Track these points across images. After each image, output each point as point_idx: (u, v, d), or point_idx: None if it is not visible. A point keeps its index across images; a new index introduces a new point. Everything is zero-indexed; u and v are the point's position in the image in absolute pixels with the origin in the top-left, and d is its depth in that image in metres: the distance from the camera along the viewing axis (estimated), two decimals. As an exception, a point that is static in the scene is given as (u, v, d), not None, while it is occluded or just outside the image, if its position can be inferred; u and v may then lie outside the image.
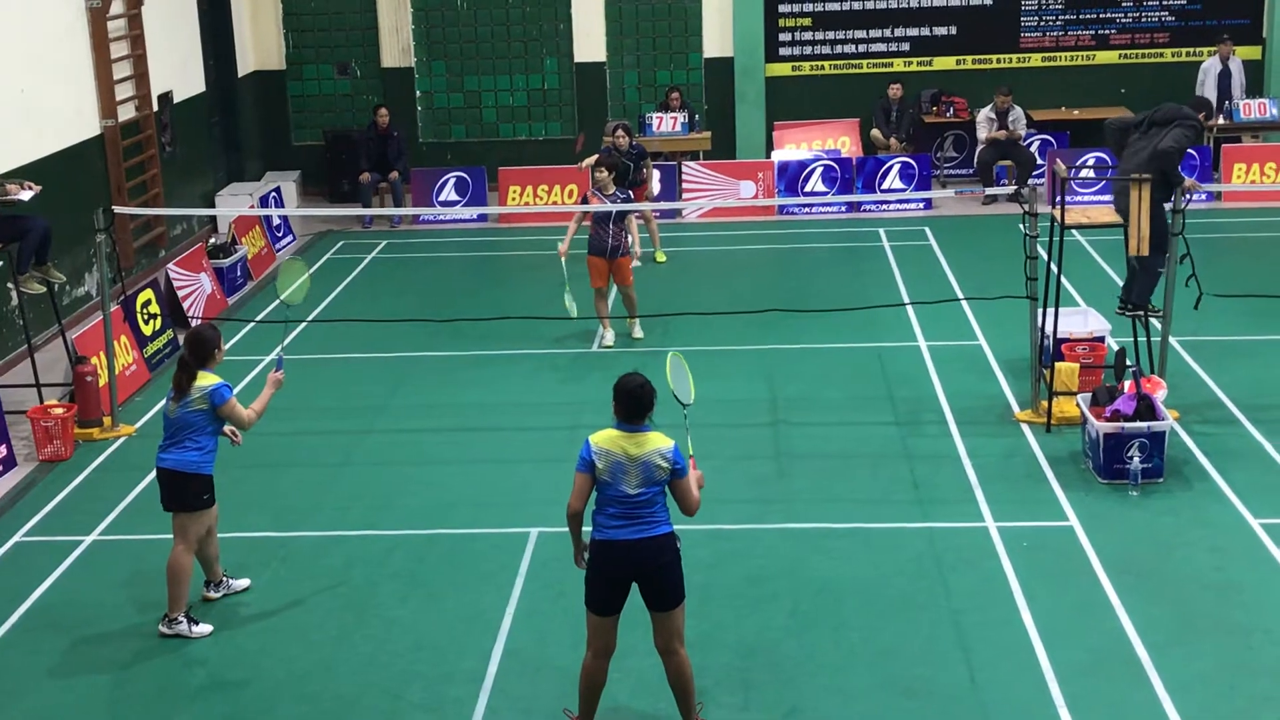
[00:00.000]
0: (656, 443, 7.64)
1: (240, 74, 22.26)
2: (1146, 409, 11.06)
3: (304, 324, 15.80)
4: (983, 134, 20.92)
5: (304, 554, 10.41)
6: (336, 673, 8.77)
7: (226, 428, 9.38)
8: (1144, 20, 22.47)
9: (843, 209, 20.72)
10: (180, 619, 9.23)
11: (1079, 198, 20.02)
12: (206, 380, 9.17)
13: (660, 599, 7.71)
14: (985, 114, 20.96)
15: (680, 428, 8.07)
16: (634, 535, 7.61)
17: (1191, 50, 22.33)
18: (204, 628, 9.27)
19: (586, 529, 7.86)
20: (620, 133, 17.76)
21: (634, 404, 7.62)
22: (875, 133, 22.05)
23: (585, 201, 15.48)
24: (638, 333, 15.16)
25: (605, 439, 7.69)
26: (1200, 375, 13.28)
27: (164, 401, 9.48)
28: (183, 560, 9.23)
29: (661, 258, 18.17)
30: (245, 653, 9.04)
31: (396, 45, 22.91)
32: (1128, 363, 11.56)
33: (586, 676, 7.88)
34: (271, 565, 10.22)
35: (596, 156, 16.20)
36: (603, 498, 7.69)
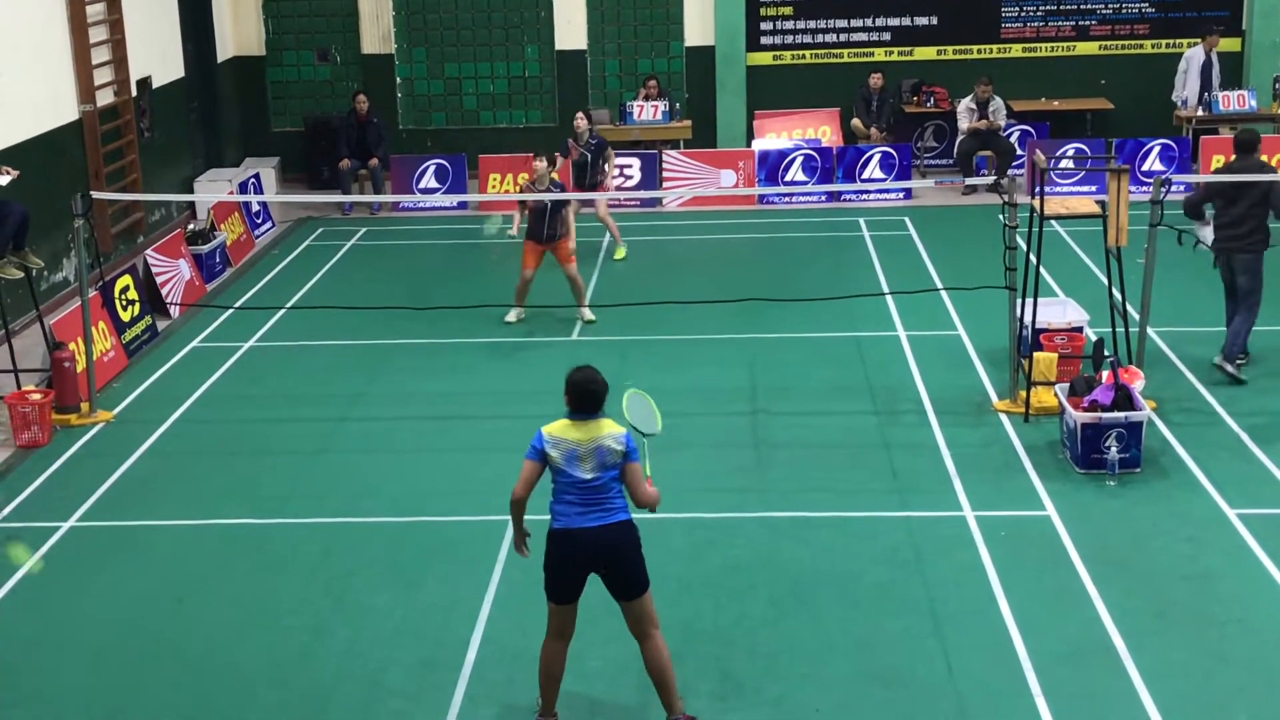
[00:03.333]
0: (608, 428, 7.70)
1: (220, 60, 22.18)
2: (1124, 399, 11.09)
3: (282, 310, 15.77)
4: (963, 124, 20.94)
5: (281, 542, 10.38)
6: (314, 661, 8.76)
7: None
8: (1124, 11, 22.52)
9: (823, 198, 20.73)
10: None
11: (1058, 188, 20.07)
12: None
13: (625, 588, 7.74)
14: (965, 104, 20.97)
15: (641, 446, 7.96)
16: (594, 523, 7.64)
17: (1172, 42, 22.39)
18: None
19: (535, 518, 7.86)
20: (579, 118, 17.50)
21: (585, 397, 7.70)
22: (856, 122, 22.06)
23: (521, 191, 15.55)
24: (589, 315, 15.24)
25: (558, 428, 7.74)
26: (1178, 366, 13.33)
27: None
28: None
29: (621, 254, 17.89)
30: (222, 641, 9.02)
31: (377, 31, 22.84)
32: (1105, 353, 11.59)
33: (545, 661, 7.89)
34: (249, 553, 10.19)
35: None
36: (559, 486, 7.72)
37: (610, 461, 7.66)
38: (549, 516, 7.82)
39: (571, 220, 15.31)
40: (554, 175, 15.40)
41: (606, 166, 17.59)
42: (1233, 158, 13.16)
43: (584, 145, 17.29)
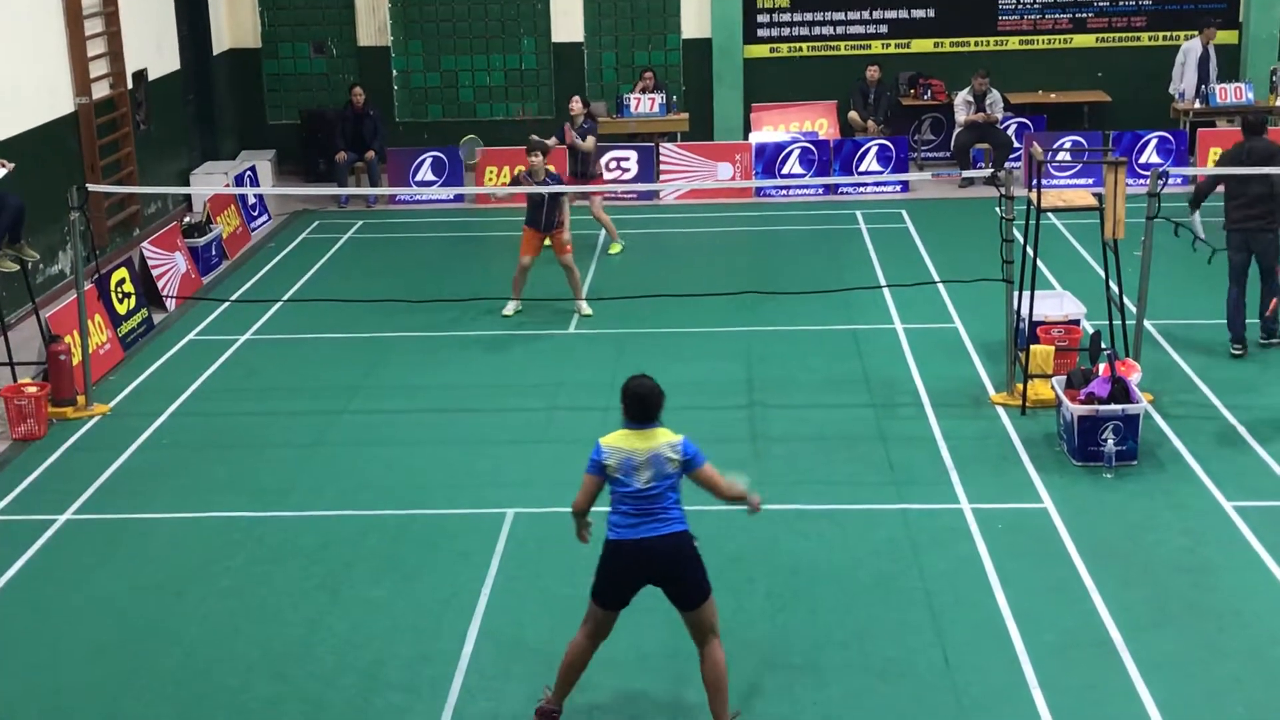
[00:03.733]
0: (664, 437, 7.68)
1: (215, 52, 22.15)
2: (1121, 392, 11.10)
3: (278, 304, 15.76)
4: (960, 117, 20.92)
5: (279, 535, 10.38)
6: (312, 653, 8.76)
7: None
8: (1121, 4, 22.51)
9: (820, 191, 20.72)
10: None
11: (1055, 181, 20.06)
12: None
13: (685, 599, 7.70)
14: (963, 97, 20.95)
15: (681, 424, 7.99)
16: (648, 534, 7.61)
17: (1168, 34, 22.38)
18: None
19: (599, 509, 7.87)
20: (574, 100, 17.67)
21: (641, 407, 7.67)
22: (853, 115, 22.05)
23: (517, 181, 15.54)
24: (585, 309, 15.24)
25: (615, 438, 7.71)
26: (1174, 358, 13.33)
27: None
28: None
29: (616, 249, 17.81)
30: (220, 633, 9.02)
31: (373, 24, 22.81)
32: (1102, 346, 11.59)
33: (571, 654, 7.86)
34: (246, 546, 10.19)
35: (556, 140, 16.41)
36: (615, 497, 7.70)
37: (668, 471, 7.62)
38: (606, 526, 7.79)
39: (567, 210, 15.33)
40: (550, 167, 15.40)
41: (595, 162, 17.76)
42: (1242, 139, 13.48)
43: (578, 129, 17.39)
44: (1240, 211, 13.15)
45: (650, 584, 7.73)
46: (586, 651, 7.86)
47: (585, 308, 15.25)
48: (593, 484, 7.73)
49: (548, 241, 15.21)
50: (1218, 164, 13.88)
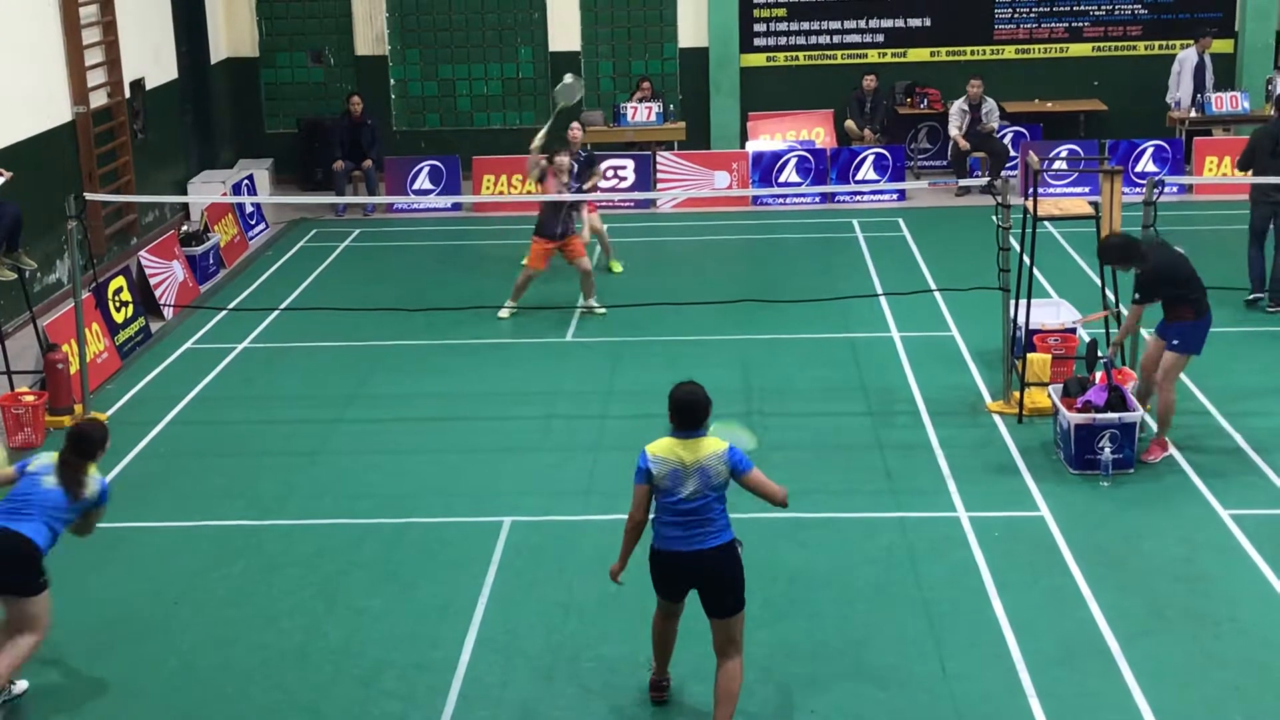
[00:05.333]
0: (712, 446, 7.64)
1: (213, 61, 22.16)
2: (1118, 400, 11.11)
3: (276, 312, 15.76)
4: (954, 130, 20.89)
5: (276, 543, 10.38)
6: (309, 662, 8.76)
7: None
8: (1117, 13, 22.54)
9: (817, 200, 20.74)
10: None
11: (1051, 190, 20.08)
12: (96, 474, 8.42)
13: (717, 607, 7.74)
14: (958, 106, 20.96)
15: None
16: (691, 548, 7.63)
17: (1164, 43, 22.41)
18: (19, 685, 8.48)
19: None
20: (574, 127, 17.18)
21: (689, 414, 7.63)
22: (849, 124, 22.07)
23: (542, 177, 15.55)
24: (600, 309, 15.31)
25: (661, 447, 7.67)
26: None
27: (26, 465, 8.43)
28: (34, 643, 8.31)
29: (618, 268, 17.51)
30: (217, 641, 9.02)
31: (370, 33, 22.83)
32: (1099, 354, 11.60)
33: (657, 632, 8.05)
34: (244, 554, 10.19)
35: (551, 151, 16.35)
36: (660, 506, 7.70)
37: (715, 482, 7.62)
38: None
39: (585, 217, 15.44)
40: (586, 143, 15.97)
41: (592, 181, 17.35)
42: (1271, 115, 15.17)
43: (574, 155, 17.10)
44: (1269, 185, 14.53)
45: (693, 588, 7.81)
46: (671, 628, 8.03)
47: (599, 307, 15.36)
48: (643, 494, 7.67)
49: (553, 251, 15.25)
50: (1251, 139, 15.19)
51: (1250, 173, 15.25)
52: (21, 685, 8.48)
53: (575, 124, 17.56)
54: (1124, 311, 12.70)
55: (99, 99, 17.83)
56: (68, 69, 17.02)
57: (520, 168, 21.09)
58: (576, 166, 16.61)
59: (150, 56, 19.63)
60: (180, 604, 9.49)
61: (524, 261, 15.67)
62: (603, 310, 15.35)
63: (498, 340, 14.79)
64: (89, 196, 14.33)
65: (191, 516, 10.83)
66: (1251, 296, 15.21)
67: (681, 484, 7.58)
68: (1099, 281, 12.84)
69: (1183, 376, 12.95)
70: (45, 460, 8.37)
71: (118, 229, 18.12)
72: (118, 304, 14.68)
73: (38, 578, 8.21)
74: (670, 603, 7.93)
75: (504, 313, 15.30)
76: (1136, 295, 11.32)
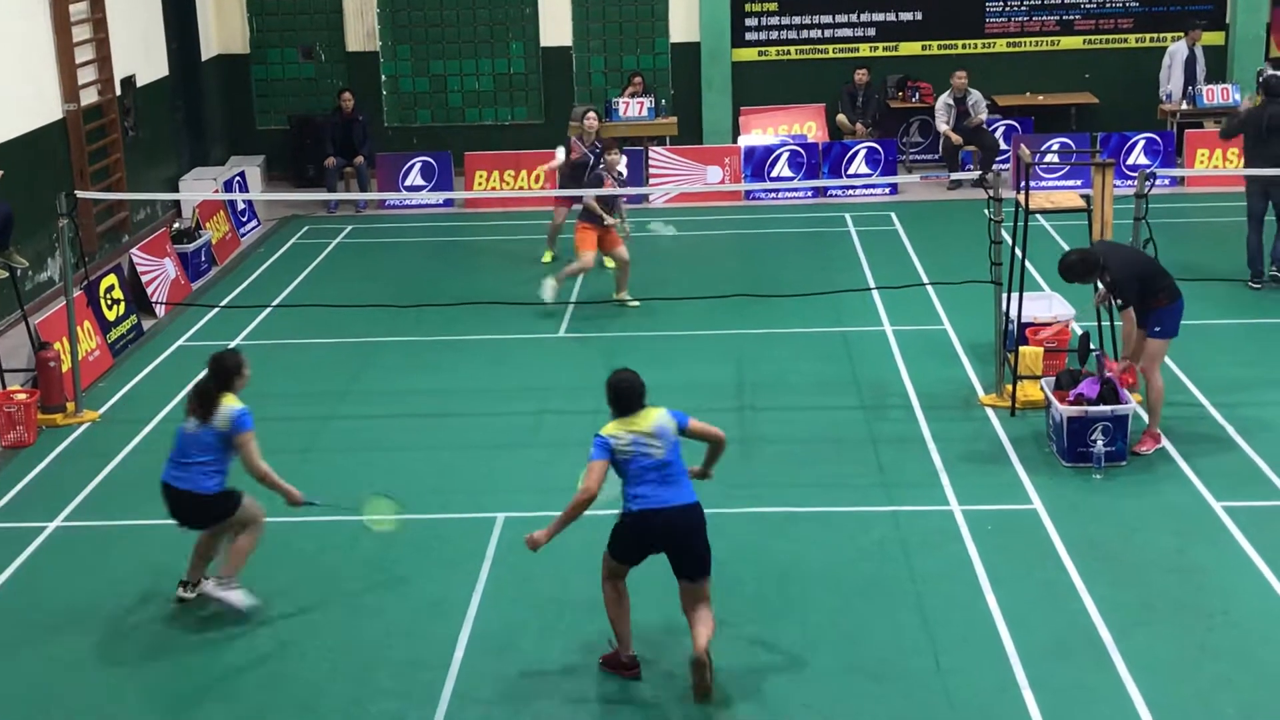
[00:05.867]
0: (655, 411, 8.18)
1: (204, 58, 22.14)
2: (1110, 392, 11.12)
3: (268, 309, 15.74)
4: (942, 125, 20.89)
5: (269, 541, 10.31)
6: (304, 658, 8.75)
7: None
8: (1108, 6, 22.57)
9: (809, 194, 20.74)
10: (233, 584, 9.13)
11: (1043, 183, 20.10)
12: (232, 403, 9.02)
13: (691, 565, 8.08)
14: (944, 100, 20.96)
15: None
16: (666, 504, 8.03)
17: (1155, 36, 22.44)
18: (250, 599, 9.16)
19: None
20: (590, 116, 17.24)
21: (633, 396, 8.16)
22: (841, 118, 22.08)
23: (599, 179, 15.53)
24: (634, 302, 15.39)
25: (615, 427, 8.11)
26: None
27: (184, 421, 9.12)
28: (250, 539, 9.20)
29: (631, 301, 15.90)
30: (210, 639, 9.01)
31: (361, 29, 22.81)
32: (1091, 347, 11.61)
33: (616, 605, 8.26)
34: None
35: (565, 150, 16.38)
36: (634, 473, 8.05)
37: (673, 440, 8.11)
38: (619, 511, 8.17)
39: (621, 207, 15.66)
40: (599, 135, 16.26)
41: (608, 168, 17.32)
42: (1260, 101, 15.41)
43: (589, 146, 16.90)
44: (1263, 165, 14.85)
45: (663, 550, 8.11)
46: (623, 590, 8.27)
47: (631, 299, 15.41)
48: (602, 468, 8.03)
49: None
50: (1243, 121, 15.58)
51: (1242, 163, 15.86)
52: (242, 598, 9.08)
53: (592, 113, 17.50)
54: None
55: (89, 96, 17.81)
56: (58, 66, 17.00)
57: (512, 163, 21.10)
58: (592, 158, 16.63)
59: (141, 53, 19.60)
60: (172, 602, 9.47)
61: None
62: (635, 303, 15.35)
63: (490, 336, 14.78)
64: (80, 194, 14.32)
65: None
66: (1254, 285, 15.46)
67: (647, 447, 8.04)
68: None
69: (1174, 369, 12.98)
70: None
71: (109, 227, 18.10)
72: (109, 302, 14.66)
73: (227, 506, 8.97)
74: (626, 567, 8.21)
75: (548, 294, 15.30)
76: (1118, 302, 11.34)
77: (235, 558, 9.15)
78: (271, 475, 9.09)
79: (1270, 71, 16.12)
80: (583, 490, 7.99)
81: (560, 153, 16.91)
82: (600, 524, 10.31)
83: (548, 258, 17.54)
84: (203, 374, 9.10)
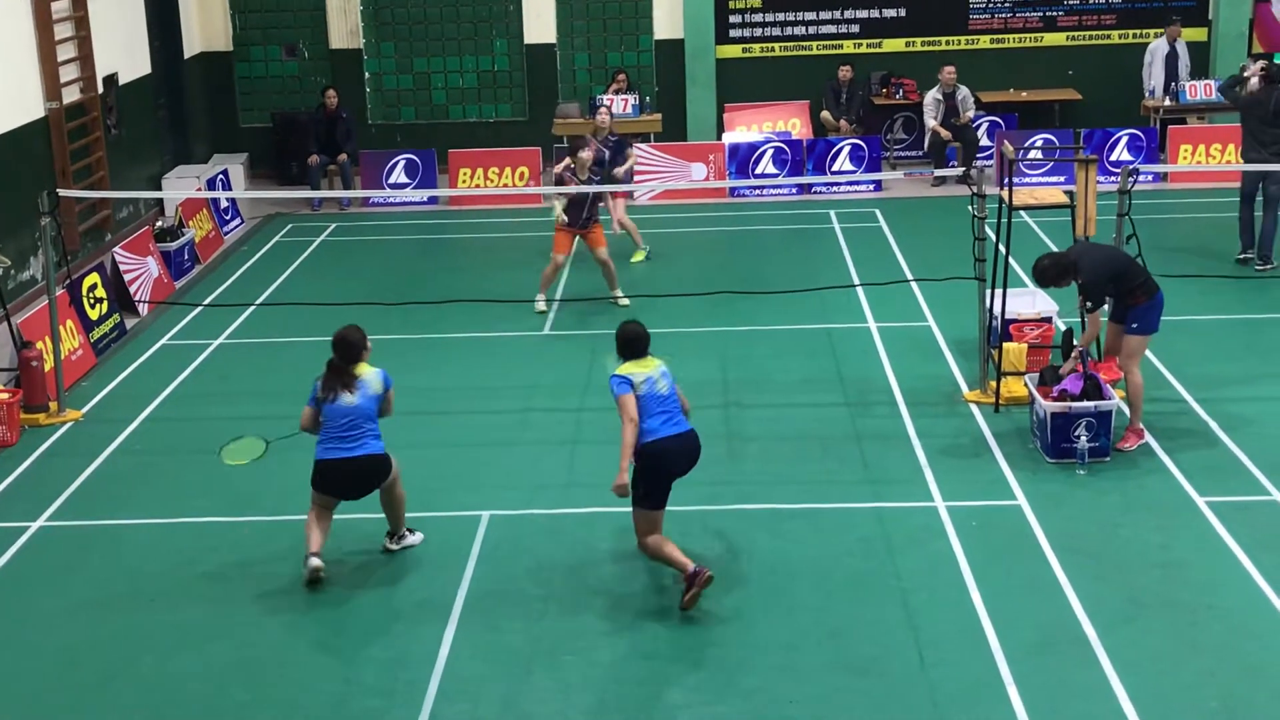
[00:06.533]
0: (656, 359, 9.24)
1: (187, 55, 22.07)
2: (1093, 389, 11.14)
3: (251, 307, 15.71)
4: (930, 120, 20.90)
5: (253, 539, 10.35)
6: (288, 657, 8.74)
7: None
8: (1091, 2, 22.61)
9: (793, 191, 20.75)
10: (405, 534, 10.08)
11: (1027, 179, 20.13)
12: (370, 370, 9.77)
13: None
14: (931, 96, 20.98)
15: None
16: (681, 429, 9.06)
17: (1138, 32, 22.49)
18: (419, 535, 10.10)
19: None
20: (602, 112, 17.40)
21: (640, 343, 9.20)
22: (825, 115, 22.09)
23: (560, 179, 15.46)
24: (624, 300, 15.29)
25: (626, 368, 9.10)
26: (1146, 354, 13.36)
27: (330, 399, 9.69)
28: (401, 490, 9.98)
29: (639, 257, 17.40)
30: (195, 638, 8.99)
31: (345, 26, 22.76)
32: (1074, 343, 11.63)
33: (657, 547, 9.07)
34: (220, 551, 10.16)
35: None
36: (646, 406, 8.97)
37: (672, 379, 9.20)
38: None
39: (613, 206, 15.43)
40: (613, 127, 16.64)
41: (626, 165, 17.26)
42: (1259, 88, 15.86)
43: (603, 141, 16.82)
44: (1259, 152, 15.57)
45: (678, 476, 9.14)
46: (665, 539, 9.12)
47: (623, 299, 15.35)
48: (632, 400, 8.96)
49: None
50: (1243, 98, 16.06)
51: (1241, 146, 16.54)
52: (418, 536, 10.13)
53: (604, 108, 17.45)
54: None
55: (72, 94, 17.75)
56: (40, 65, 16.93)
57: (496, 160, 21.09)
58: (607, 153, 16.62)
59: (123, 51, 19.54)
60: (156, 602, 9.46)
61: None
62: (626, 301, 15.27)
63: (475, 334, 14.77)
64: (62, 193, 14.27)
65: (167, 514, 10.80)
66: (1241, 256, 16.12)
67: (655, 385, 9.05)
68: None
69: (1157, 364, 13.01)
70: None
71: (92, 225, 18.04)
72: (92, 300, 14.62)
73: (389, 465, 9.77)
74: (660, 516, 9.13)
75: (540, 306, 15.25)
76: (1088, 304, 11.35)
77: (398, 509, 10.00)
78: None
79: (1254, 66, 16.23)
80: (629, 420, 8.88)
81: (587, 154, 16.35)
82: (589, 522, 10.34)
83: (639, 256, 17.44)
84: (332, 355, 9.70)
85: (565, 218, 15.17)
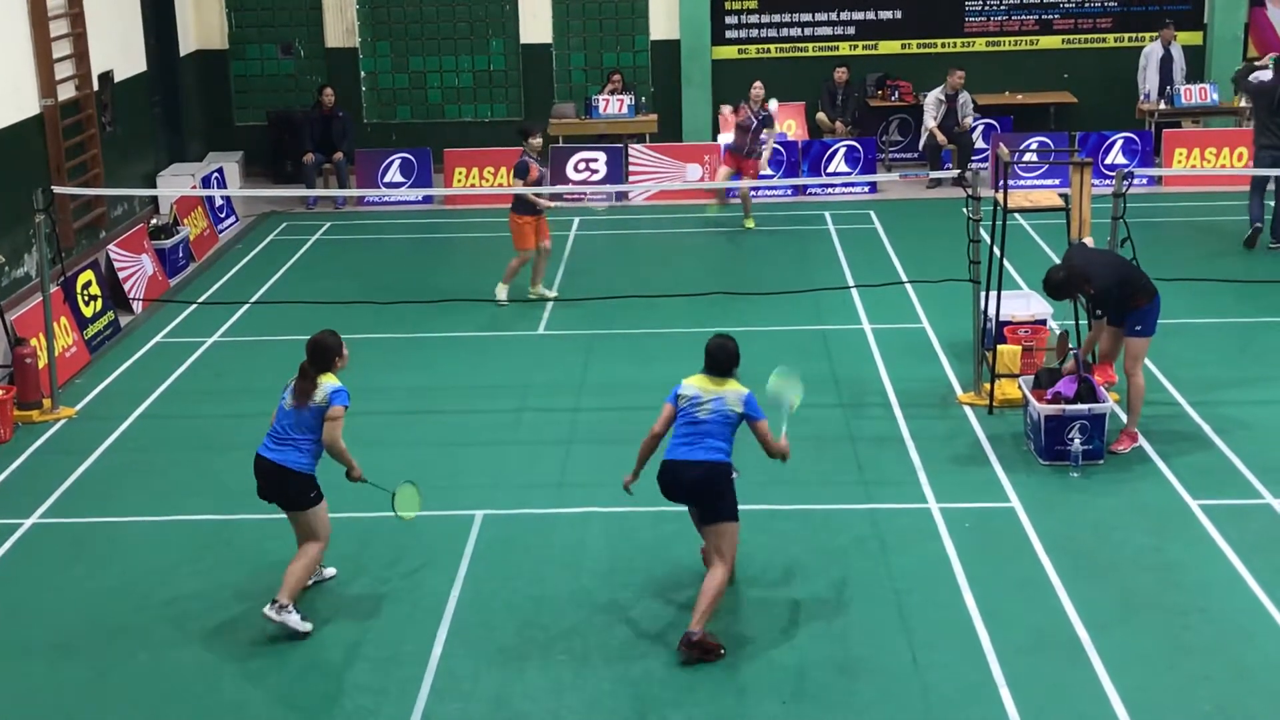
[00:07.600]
0: (735, 388, 8.92)
1: (182, 53, 22.05)
2: (1087, 391, 11.15)
3: (246, 305, 15.70)
4: (930, 120, 20.89)
5: (246, 537, 10.35)
6: (280, 655, 8.73)
7: None
8: (1087, 5, 22.63)
9: (788, 192, 20.76)
10: (290, 609, 8.86)
11: (1022, 182, 20.14)
12: (330, 381, 9.11)
13: (706, 516, 8.80)
14: (934, 96, 20.95)
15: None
16: (685, 457, 8.75)
17: (1134, 35, 22.51)
18: (306, 624, 8.92)
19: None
20: (756, 85, 18.74)
21: (717, 358, 8.95)
22: (821, 116, 22.10)
23: (524, 169, 15.60)
24: (552, 294, 15.75)
25: (694, 379, 8.98)
26: (1140, 358, 13.40)
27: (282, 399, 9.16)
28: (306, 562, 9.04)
29: (750, 224, 18.81)
30: (188, 636, 8.99)
31: (341, 25, 22.75)
32: (1069, 346, 11.64)
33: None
34: (214, 548, 10.15)
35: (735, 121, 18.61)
36: (677, 425, 8.88)
37: (727, 411, 8.83)
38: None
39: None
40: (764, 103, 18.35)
41: (766, 140, 18.66)
42: (1267, 78, 16.72)
43: (755, 111, 18.46)
44: (1269, 137, 16.42)
45: (688, 501, 8.91)
46: (708, 565, 8.85)
47: (549, 292, 15.72)
48: (669, 411, 8.93)
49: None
50: (1252, 94, 17.07)
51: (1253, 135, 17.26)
52: (330, 571, 9.55)
53: (759, 82, 18.86)
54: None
55: (67, 91, 17.71)
56: (35, 61, 16.90)
57: (492, 160, 21.08)
58: (755, 122, 18.42)
59: (119, 49, 19.51)
60: (150, 599, 9.46)
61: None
62: (553, 295, 15.66)
63: (469, 334, 14.77)
64: (57, 190, 14.26)
65: (161, 511, 10.79)
66: (1251, 231, 16.90)
67: (699, 406, 8.83)
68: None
69: (1151, 367, 13.02)
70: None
71: (86, 222, 18.01)
72: (86, 298, 14.61)
73: (307, 494, 8.98)
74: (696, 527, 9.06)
75: (501, 295, 15.57)
76: (1099, 314, 11.35)
77: (300, 565, 8.99)
78: (342, 447, 9.12)
79: (1254, 64, 16.60)
80: (651, 429, 8.97)
81: (727, 110, 18.62)
82: (582, 522, 10.34)
83: (750, 224, 18.82)
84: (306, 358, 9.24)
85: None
